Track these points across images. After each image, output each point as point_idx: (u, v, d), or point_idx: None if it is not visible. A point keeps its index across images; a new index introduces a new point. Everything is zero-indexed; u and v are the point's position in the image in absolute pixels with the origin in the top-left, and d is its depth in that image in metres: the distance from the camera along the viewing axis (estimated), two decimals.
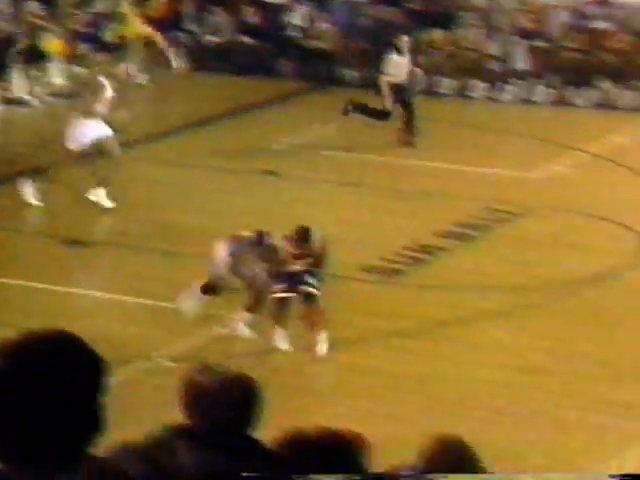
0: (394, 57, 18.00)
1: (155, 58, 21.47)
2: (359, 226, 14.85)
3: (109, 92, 15.18)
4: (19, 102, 20.62)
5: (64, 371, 2.75)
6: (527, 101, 20.83)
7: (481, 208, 15.44)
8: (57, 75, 21.42)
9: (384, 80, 17.94)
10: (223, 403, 5.21)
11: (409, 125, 18.03)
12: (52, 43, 21.45)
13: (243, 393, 5.26)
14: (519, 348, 11.75)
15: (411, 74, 18.35)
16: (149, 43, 21.14)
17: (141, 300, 12.69)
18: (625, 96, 20.34)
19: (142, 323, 12.13)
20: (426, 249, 14.22)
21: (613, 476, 3.24)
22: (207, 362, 6.67)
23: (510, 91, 20.99)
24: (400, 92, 17.93)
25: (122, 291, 12.90)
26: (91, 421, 2.79)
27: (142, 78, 21.38)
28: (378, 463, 4.28)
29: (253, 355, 11.36)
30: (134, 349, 11.49)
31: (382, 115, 17.92)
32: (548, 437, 10.10)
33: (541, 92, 20.82)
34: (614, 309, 12.57)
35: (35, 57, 21.05)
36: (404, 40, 18.07)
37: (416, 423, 9.91)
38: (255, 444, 5.20)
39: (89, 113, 15.11)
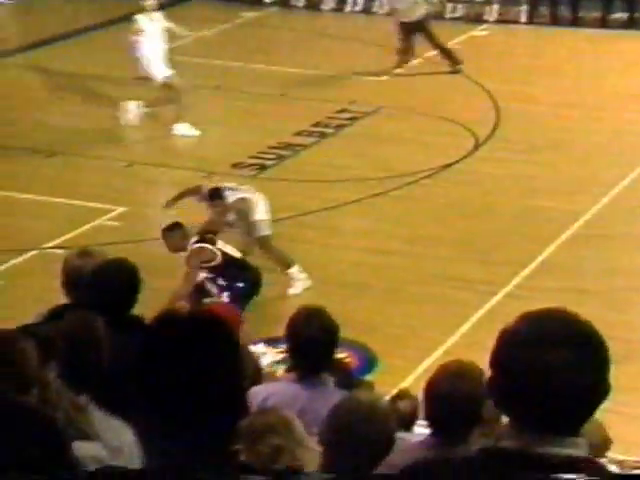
0: None
1: None
2: (227, 127, 15.10)
3: None
4: None
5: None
6: (368, 11, 20.82)
7: (337, 109, 15.72)
8: None
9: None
10: (100, 285, 5.32)
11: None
12: None
13: (120, 276, 5.39)
14: (372, 232, 12.20)
15: None
16: None
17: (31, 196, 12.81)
18: (451, 8, 20.44)
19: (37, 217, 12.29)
20: (288, 147, 14.54)
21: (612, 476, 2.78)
22: (86, 247, 7.00)
23: (350, 3, 20.97)
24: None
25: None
26: None
27: None
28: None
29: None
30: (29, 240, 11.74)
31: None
32: (403, 310, 10.64)
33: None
34: (449, 198, 13.09)
35: None
36: None
37: (289, 299, 10.56)
38: (133, 321, 5.22)
39: None
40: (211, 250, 10.29)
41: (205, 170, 13.39)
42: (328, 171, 13.70)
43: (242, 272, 10.43)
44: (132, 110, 15.01)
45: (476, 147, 14.56)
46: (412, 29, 17.12)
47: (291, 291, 10.95)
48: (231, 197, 10.97)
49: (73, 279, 5.60)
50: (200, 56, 17.60)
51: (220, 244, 10.47)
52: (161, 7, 15.83)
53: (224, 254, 10.37)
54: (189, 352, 2.47)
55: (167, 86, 14.98)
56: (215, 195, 10.92)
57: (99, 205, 12.65)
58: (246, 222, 11.06)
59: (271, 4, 21.37)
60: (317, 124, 15.32)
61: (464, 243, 11.95)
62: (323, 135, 15.08)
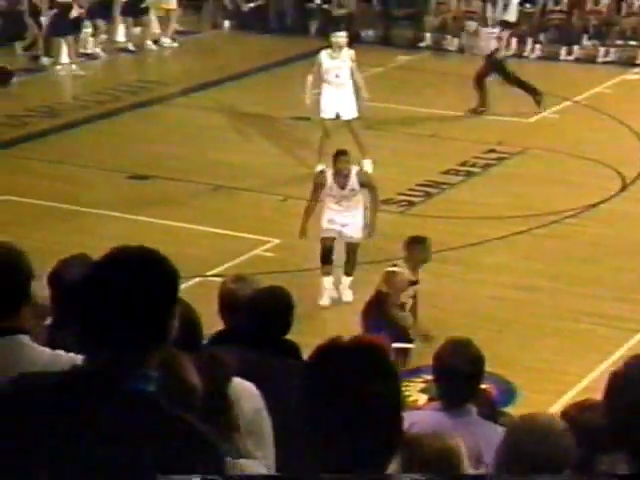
0: None
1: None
2: (377, 165, 14.71)
3: None
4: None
5: (145, 281, 2.72)
6: (519, 56, 20.41)
7: (484, 149, 15.52)
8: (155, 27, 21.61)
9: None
10: (256, 311, 5.23)
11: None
12: None
13: (272, 302, 5.29)
14: (516, 269, 11.93)
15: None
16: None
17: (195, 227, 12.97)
18: (603, 52, 20.17)
19: (199, 247, 12.35)
20: (436, 185, 14.39)
21: (613, 476, 2.80)
22: (240, 274, 6.64)
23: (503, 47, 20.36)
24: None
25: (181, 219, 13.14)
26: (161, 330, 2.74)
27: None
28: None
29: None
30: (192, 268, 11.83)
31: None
32: (545, 345, 10.41)
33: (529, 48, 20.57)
34: (594, 237, 12.77)
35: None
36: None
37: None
38: (285, 346, 5.15)
39: None
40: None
41: None
42: (473, 209, 13.51)
43: None
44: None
45: (623, 188, 14.15)
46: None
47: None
48: None
49: (228, 303, 5.52)
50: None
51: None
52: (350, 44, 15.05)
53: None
54: (352, 385, 2.42)
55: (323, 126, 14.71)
56: None
57: (256, 237, 12.67)
58: None
59: (425, 48, 21.28)
60: (464, 163, 15.12)
61: (607, 281, 11.60)
62: (470, 174, 14.88)
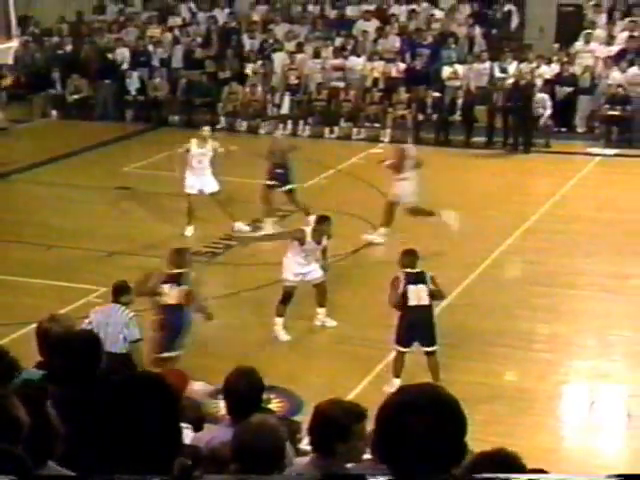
0: None
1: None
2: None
3: None
4: None
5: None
6: (294, 135, 20.50)
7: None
8: None
9: None
10: (62, 349, 4.68)
11: None
12: None
13: (81, 344, 4.67)
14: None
15: None
16: None
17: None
18: (356, 132, 20.61)
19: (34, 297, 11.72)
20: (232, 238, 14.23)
21: (610, 476, 2.59)
22: (56, 314, 6.19)
23: (282, 128, 20.58)
24: None
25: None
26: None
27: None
28: None
29: None
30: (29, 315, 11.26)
31: None
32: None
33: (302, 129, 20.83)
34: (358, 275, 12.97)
35: None
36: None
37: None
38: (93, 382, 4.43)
39: None
40: None
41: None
42: (266, 257, 13.38)
43: None
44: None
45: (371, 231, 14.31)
46: None
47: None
48: None
49: (42, 340, 5.20)
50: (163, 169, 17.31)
51: None
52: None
53: None
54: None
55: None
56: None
57: (86, 286, 12.17)
58: None
59: (223, 129, 21.00)
60: (258, 220, 14.92)
61: (369, 309, 11.55)
62: (258, 229, 14.71)
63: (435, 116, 20.43)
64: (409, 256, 9.78)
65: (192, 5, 24.09)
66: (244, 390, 4.97)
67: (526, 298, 12.09)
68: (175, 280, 9.50)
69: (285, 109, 21.21)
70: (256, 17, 23.39)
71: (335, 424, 4.27)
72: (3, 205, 15.66)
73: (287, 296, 10.98)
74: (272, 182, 14.77)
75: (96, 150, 19.20)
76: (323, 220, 11.20)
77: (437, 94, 20.62)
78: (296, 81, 21.47)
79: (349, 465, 4.27)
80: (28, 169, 16.46)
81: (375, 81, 21.34)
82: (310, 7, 23.66)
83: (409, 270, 9.62)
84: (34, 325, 10.20)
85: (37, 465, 2.98)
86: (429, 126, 20.44)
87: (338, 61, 21.57)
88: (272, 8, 23.72)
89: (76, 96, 22.06)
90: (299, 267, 11.00)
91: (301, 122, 21.02)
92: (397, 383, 9.32)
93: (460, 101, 20.50)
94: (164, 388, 2.52)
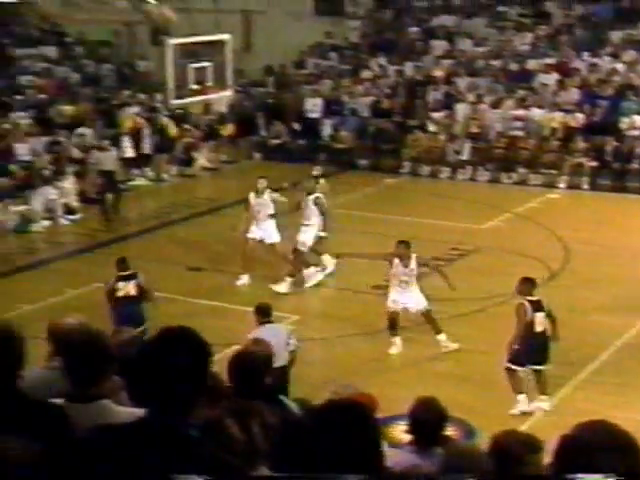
0: None
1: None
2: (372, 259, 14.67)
3: None
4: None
5: (185, 355, 2.68)
6: (473, 179, 20.57)
7: (450, 247, 15.40)
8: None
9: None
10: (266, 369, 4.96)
11: None
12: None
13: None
14: (477, 338, 11.64)
15: None
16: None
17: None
18: (534, 178, 20.20)
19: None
20: None
21: (610, 476, 2.52)
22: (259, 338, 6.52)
23: (462, 173, 20.89)
24: None
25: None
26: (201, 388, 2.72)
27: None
28: None
29: None
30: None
31: None
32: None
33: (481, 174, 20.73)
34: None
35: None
36: None
37: (414, 388, 10.02)
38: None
39: None
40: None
41: (352, 289, 13.15)
42: (440, 293, 13.10)
43: None
44: None
45: (551, 277, 14.01)
46: None
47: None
48: None
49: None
50: (354, 209, 17.61)
51: None
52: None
53: None
54: None
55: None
56: None
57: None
58: None
59: (406, 174, 21.27)
60: (436, 258, 14.81)
61: None
62: (437, 266, 14.57)
63: (613, 164, 19.70)
64: (529, 284, 9.90)
65: (382, 60, 24.47)
66: (432, 420, 5.00)
67: None
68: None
69: (465, 155, 21.09)
70: (440, 71, 23.46)
71: (509, 454, 4.17)
72: (216, 237, 16.23)
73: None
74: None
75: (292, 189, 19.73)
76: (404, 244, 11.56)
77: (615, 143, 19.89)
78: (477, 130, 21.33)
79: None
80: (235, 204, 17.08)
81: (553, 130, 20.89)
82: (492, 61, 23.47)
83: (530, 298, 9.73)
84: (235, 347, 11.03)
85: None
86: (606, 173, 19.73)
87: (519, 111, 21.28)
88: (456, 62, 23.73)
89: (277, 140, 22.87)
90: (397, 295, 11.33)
91: (480, 167, 20.84)
92: (522, 398, 9.73)
93: (639, 150, 19.67)
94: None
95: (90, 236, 16.49)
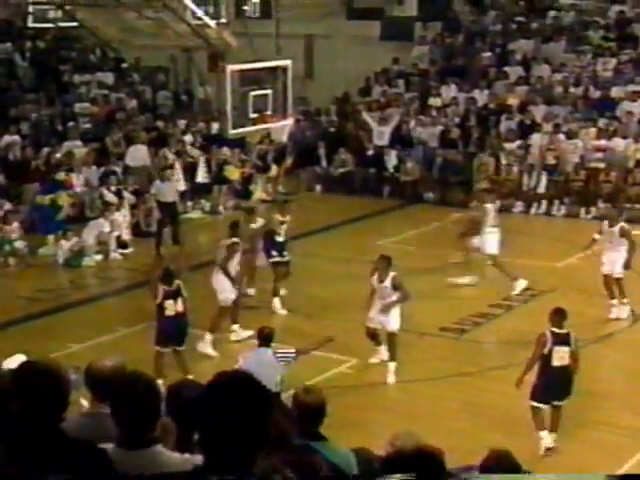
0: None
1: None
2: (435, 300, 14.68)
3: None
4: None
5: (248, 402, 2.70)
6: (548, 214, 20.49)
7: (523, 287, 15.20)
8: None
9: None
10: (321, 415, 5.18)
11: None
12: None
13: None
14: None
15: None
16: None
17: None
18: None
19: None
20: (483, 316, 14.19)
21: (611, 476, 2.43)
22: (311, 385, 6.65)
23: (537, 207, 20.82)
24: None
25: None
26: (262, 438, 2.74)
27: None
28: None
29: None
30: None
31: None
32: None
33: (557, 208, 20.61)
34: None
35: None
36: None
37: (477, 437, 9.85)
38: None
39: None
40: None
41: (416, 331, 13.14)
42: (511, 336, 13.14)
43: None
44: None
45: (634, 320, 13.95)
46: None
47: None
48: None
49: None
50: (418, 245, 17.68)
51: None
52: None
53: None
54: None
55: None
56: None
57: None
58: None
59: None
60: (506, 298, 14.85)
61: (620, 396, 11.08)
62: (509, 307, 14.64)
63: None
64: (558, 316, 9.87)
65: (452, 87, 24.52)
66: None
67: None
68: None
69: (542, 188, 20.94)
70: (515, 98, 23.40)
71: None
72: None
73: None
74: None
75: (354, 224, 19.84)
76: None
77: None
78: (554, 161, 21.18)
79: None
80: (294, 239, 17.30)
81: (638, 162, 20.62)
82: (572, 89, 23.32)
83: (556, 330, 9.66)
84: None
85: None
86: None
87: (600, 142, 21.08)
88: (532, 89, 23.64)
89: (341, 170, 23.01)
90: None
91: (556, 202, 20.68)
92: (544, 435, 9.74)
93: None
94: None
95: (141, 272, 16.78)
